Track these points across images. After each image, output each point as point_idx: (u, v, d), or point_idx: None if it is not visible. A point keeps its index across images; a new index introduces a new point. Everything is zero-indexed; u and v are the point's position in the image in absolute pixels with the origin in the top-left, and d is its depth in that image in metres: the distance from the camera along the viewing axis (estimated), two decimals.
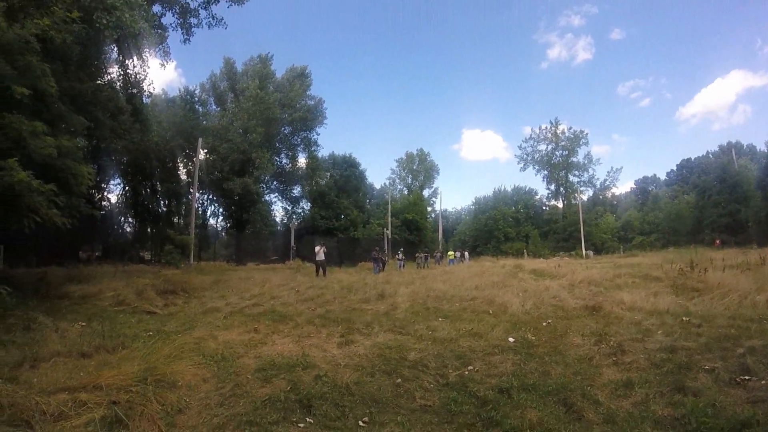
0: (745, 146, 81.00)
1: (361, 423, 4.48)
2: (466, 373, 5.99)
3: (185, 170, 47.65)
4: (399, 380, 5.66)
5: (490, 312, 10.80)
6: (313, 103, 56.48)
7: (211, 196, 52.78)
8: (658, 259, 25.39)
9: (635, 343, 7.06)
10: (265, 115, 49.34)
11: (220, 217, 56.82)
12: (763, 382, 5.16)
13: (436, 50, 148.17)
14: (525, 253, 57.76)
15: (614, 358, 6.45)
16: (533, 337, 7.94)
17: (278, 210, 63.24)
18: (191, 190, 41.49)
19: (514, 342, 7.62)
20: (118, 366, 5.30)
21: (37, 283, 14.87)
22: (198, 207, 46.16)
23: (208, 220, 55.61)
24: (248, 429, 4.27)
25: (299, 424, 4.40)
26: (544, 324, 9.12)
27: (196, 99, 51.71)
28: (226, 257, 49.24)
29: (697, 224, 57.92)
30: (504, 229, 74.04)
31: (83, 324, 9.38)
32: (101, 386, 4.70)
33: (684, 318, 8.89)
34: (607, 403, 4.80)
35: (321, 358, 6.64)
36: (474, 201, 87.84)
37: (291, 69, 56.02)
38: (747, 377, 5.33)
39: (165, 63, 26.46)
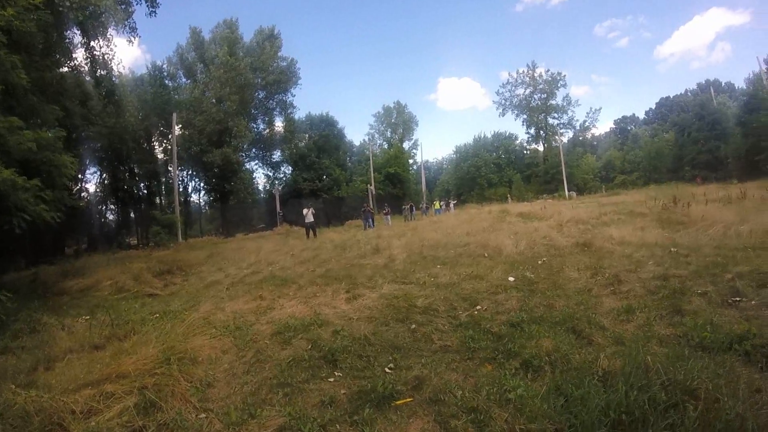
0: (723, 84, 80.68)
1: (387, 369, 4.63)
2: (476, 312, 6.24)
3: (162, 148, 46.97)
4: (413, 326, 5.87)
5: (486, 255, 11.10)
6: (285, 64, 55.07)
7: (191, 172, 51.97)
8: (640, 196, 25.89)
9: (629, 274, 7.43)
10: (237, 82, 48.11)
11: (202, 192, 55.97)
12: (753, 302, 5.54)
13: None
14: (509, 198, 58.20)
15: (612, 288, 6.82)
16: (532, 275, 8.26)
17: (260, 177, 63.06)
18: (170, 168, 40.83)
19: (514, 281, 7.93)
20: (133, 352, 5.29)
21: (31, 284, 14.52)
22: (179, 184, 45.39)
23: (191, 196, 54.94)
24: (281, 391, 4.36)
25: (329, 379, 4.53)
26: (540, 262, 9.45)
27: (165, 74, 50.23)
28: (213, 231, 48.93)
29: (677, 161, 58.57)
30: (486, 175, 74.10)
31: (87, 317, 9.22)
32: (124, 375, 4.64)
33: (672, 249, 9.27)
34: (612, 328, 5.14)
35: (333, 315, 6.79)
36: (455, 150, 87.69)
37: (259, 31, 54.29)
38: (738, 299, 5.72)
39: (132, 39, 25.09)
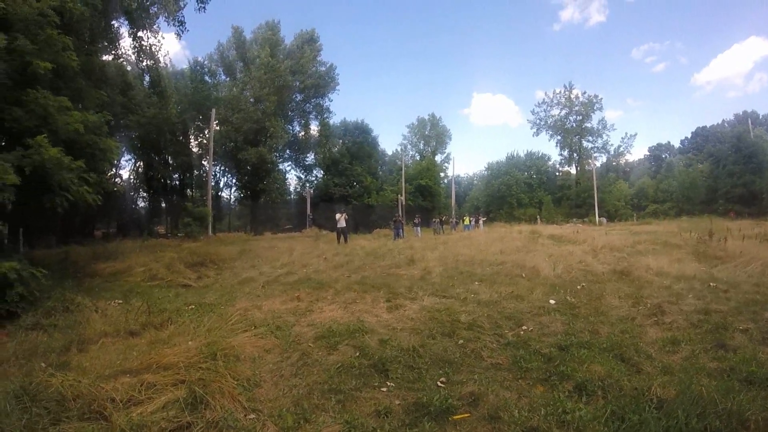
0: (761, 116, 79.37)
1: (439, 383, 4.63)
2: (522, 332, 6.39)
3: (197, 142, 47.87)
4: (461, 341, 5.97)
5: (523, 275, 11.26)
6: (324, 69, 56.18)
7: (224, 168, 52.94)
8: (673, 227, 25.80)
9: (671, 305, 7.53)
10: (276, 83, 49.15)
11: (233, 188, 57.04)
12: None
13: (446, 12, 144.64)
14: (538, 219, 58.05)
15: (654, 319, 6.94)
16: (573, 299, 8.43)
17: (291, 178, 63.29)
18: (204, 162, 41.60)
19: (555, 304, 8.11)
20: (172, 343, 5.33)
21: (61, 262, 14.67)
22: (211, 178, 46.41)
23: (222, 191, 55.88)
24: (334, 397, 4.31)
25: (381, 389, 4.53)
26: (579, 287, 9.60)
27: (206, 70, 51.46)
28: (241, 228, 49.58)
29: (711, 194, 57.73)
30: (517, 194, 73.69)
31: (120, 301, 9.31)
32: (166, 366, 4.58)
33: (711, 284, 9.39)
34: (659, 358, 5.25)
35: (375, 323, 6.84)
36: (486, 166, 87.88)
37: (300, 35, 55.38)
38: None
39: (181, 33, 25.73)
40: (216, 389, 4.16)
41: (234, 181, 55.14)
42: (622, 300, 8.25)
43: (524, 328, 6.62)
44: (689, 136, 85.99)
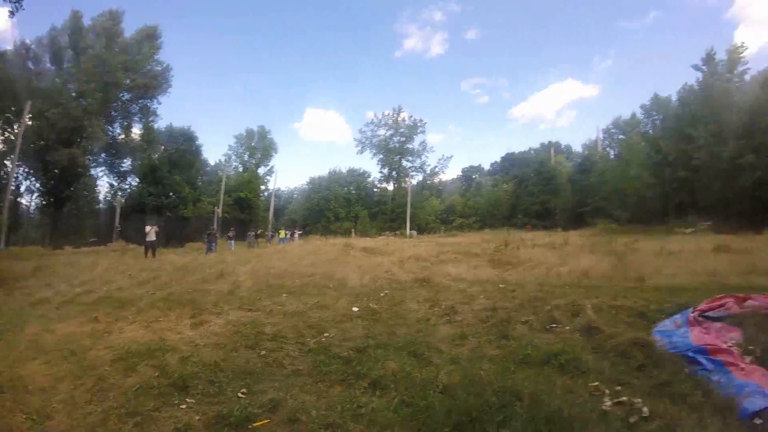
0: (563, 146, 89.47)
1: (240, 394, 4.57)
2: (324, 339, 6.40)
3: (1, 138, 41.28)
4: (263, 352, 5.85)
5: (331, 286, 11.33)
6: (160, 69, 52.03)
7: (27, 170, 45.68)
8: (476, 238, 28.16)
9: (463, 306, 8.13)
10: (105, 79, 44.26)
11: (35, 194, 49.35)
12: (567, 328, 6.52)
13: (292, 25, 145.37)
14: (353, 233, 59.95)
15: (447, 318, 7.47)
16: (375, 306, 8.63)
17: (103, 185, 56.73)
18: (6, 162, 35.64)
19: (359, 311, 8.22)
20: None
21: None
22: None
23: (22, 196, 48.52)
24: (131, 420, 4.07)
25: (181, 406, 4.35)
26: (382, 294, 9.87)
27: (31, 55, 44.87)
28: (39, 240, 43.44)
29: (512, 210, 64.99)
30: (335, 209, 75.75)
31: None
32: None
33: (501, 285, 10.35)
34: (449, 351, 5.70)
35: (178, 341, 6.49)
36: (309, 180, 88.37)
37: (142, 29, 50.74)
38: (554, 325, 6.68)
39: (15, 10, 21.46)
40: (3, 427, 3.86)
41: (37, 185, 47.52)
42: (421, 304, 8.64)
43: (326, 335, 6.61)
44: (499, 160, 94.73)
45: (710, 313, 6.83)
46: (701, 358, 5.04)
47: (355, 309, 8.33)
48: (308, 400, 4.31)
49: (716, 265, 12.35)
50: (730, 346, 5.32)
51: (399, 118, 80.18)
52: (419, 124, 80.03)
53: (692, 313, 6.67)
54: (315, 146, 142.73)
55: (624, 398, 4.13)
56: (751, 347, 5.40)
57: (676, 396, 4.25)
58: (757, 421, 3.82)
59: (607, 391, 4.30)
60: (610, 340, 5.65)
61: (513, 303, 8.26)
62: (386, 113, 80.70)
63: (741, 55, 39.31)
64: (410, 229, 61.84)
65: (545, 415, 3.60)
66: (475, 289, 9.94)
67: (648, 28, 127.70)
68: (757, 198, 30.12)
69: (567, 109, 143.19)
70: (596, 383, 4.45)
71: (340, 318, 7.66)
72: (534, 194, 62.73)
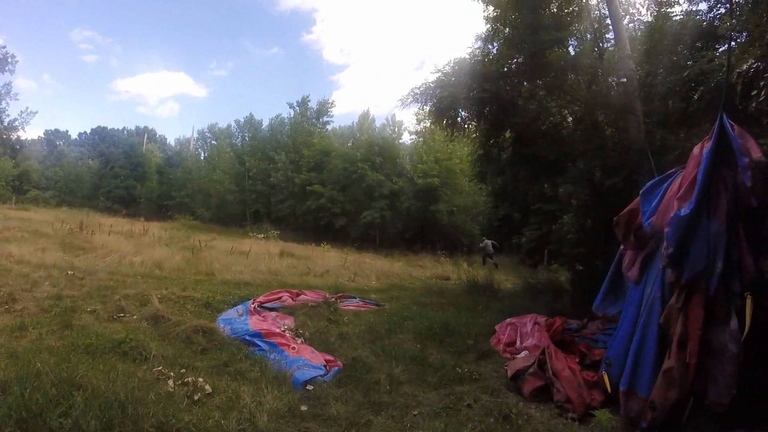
0: (158, 135, 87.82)
1: None
2: None
3: None
4: None
5: None
6: None
7: None
8: (50, 216, 25.38)
9: (25, 293, 7.68)
10: None
11: None
12: (135, 317, 6.99)
13: None
14: None
15: (6, 307, 6.87)
16: None
17: None
18: None
19: None
20: None
21: None
22: None
23: None
24: None
25: None
26: None
27: None
28: None
29: (95, 190, 59.67)
30: None
31: None
32: None
33: (69, 272, 9.95)
34: (7, 344, 5.29)
35: None
36: None
37: None
38: (122, 314, 7.06)
39: None
40: None
41: None
42: None
43: None
44: (89, 132, 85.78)
45: (268, 305, 8.53)
46: (258, 341, 6.35)
47: None
48: None
49: (279, 266, 14.65)
50: (283, 331, 6.83)
51: None
52: (10, 60, 65.11)
53: (252, 303, 8.17)
54: None
55: (188, 379, 4.60)
56: (301, 331, 7.09)
57: (236, 373, 5.13)
58: (309, 387, 5.05)
59: (172, 374, 4.73)
60: (176, 327, 6.30)
61: (81, 291, 8.27)
62: None
63: (329, 109, 49.79)
64: None
65: (104, 402, 3.73)
66: (41, 274, 9.37)
67: (267, 58, 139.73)
68: (320, 218, 37.25)
69: (171, 101, 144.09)
70: (160, 368, 4.87)
71: None
72: (120, 177, 59.37)
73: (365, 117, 42.83)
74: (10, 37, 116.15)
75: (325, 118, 49.14)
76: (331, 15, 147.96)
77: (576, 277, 11.48)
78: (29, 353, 4.87)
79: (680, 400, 4.28)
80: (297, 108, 48.60)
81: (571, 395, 4.98)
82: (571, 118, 11.26)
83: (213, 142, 62.78)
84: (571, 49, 10.56)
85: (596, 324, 7.58)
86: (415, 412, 4.66)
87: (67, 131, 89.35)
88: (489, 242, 25.72)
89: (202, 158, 61.68)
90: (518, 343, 7.17)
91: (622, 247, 5.97)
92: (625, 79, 9.16)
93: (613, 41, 10.42)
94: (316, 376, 5.34)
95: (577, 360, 6.10)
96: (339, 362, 5.98)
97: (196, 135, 69.49)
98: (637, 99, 9.02)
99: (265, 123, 54.18)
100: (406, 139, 43.30)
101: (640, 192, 5.40)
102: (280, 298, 9.13)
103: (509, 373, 5.71)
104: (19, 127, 68.58)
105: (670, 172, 5.24)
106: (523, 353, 6.57)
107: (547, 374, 5.32)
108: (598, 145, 9.74)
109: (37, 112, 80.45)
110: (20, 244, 12.84)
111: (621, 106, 9.03)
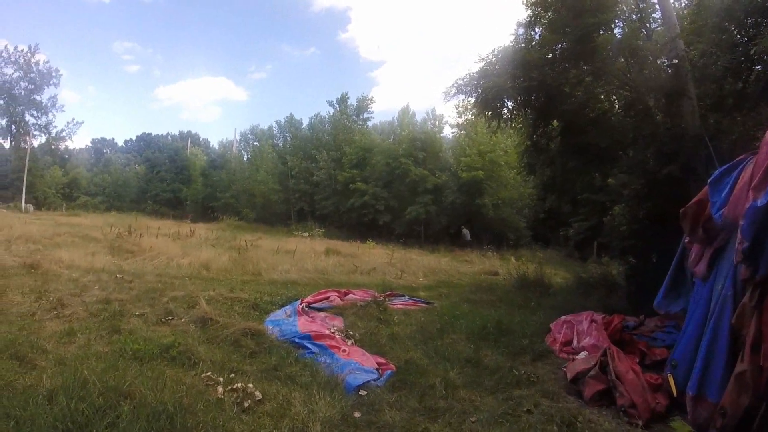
0: (201, 139, 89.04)
1: None
2: None
3: None
4: None
5: None
6: None
7: None
8: (99, 221, 25.98)
9: (74, 298, 7.67)
10: None
11: None
12: (183, 320, 6.88)
13: None
14: None
15: (55, 312, 6.86)
16: None
17: None
18: None
19: None
20: None
21: None
22: None
23: None
24: None
25: None
26: None
27: None
28: None
29: (142, 194, 61.24)
30: None
31: None
32: None
33: (118, 275, 10.02)
34: (55, 351, 5.20)
35: None
36: None
37: None
38: (170, 317, 6.96)
39: None
40: None
41: None
42: (26, 295, 7.73)
43: None
44: (134, 138, 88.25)
45: (316, 305, 8.30)
46: (307, 343, 6.11)
47: None
48: None
49: (325, 265, 14.51)
50: (333, 332, 6.59)
51: (33, 60, 66.37)
52: (54, 74, 67.28)
53: (300, 304, 7.96)
54: None
55: (238, 385, 4.44)
56: (351, 332, 6.83)
57: (286, 378, 4.94)
58: (362, 392, 4.82)
59: (221, 380, 4.59)
60: (224, 330, 6.18)
61: (129, 294, 8.25)
62: (20, 48, 65.72)
63: (368, 105, 48.40)
64: (26, 202, 52.06)
65: (152, 412, 3.59)
66: (90, 279, 9.44)
67: (304, 58, 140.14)
68: (363, 215, 37.21)
69: (213, 105, 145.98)
70: (208, 373, 4.71)
71: None
72: (166, 181, 60.83)
73: (405, 112, 42.27)
74: (54, 52, 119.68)
75: (365, 115, 48.58)
76: (365, 12, 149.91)
77: (630, 271, 10.94)
78: (77, 360, 4.79)
79: (752, 406, 3.90)
80: (337, 106, 48.39)
81: (635, 400, 4.66)
82: (619, 105, 10.78)
83: (255, 143, 63.45)
84: (617, 31, 10.00)
85: (654, 321, 7.25)
86: (473, 419, 4.41)
87: (113, 139, 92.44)
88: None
89: (245, 160, 62.20)
90: (575, 342, 6.85)
91: (685, 240, 5.58)
92: (676, 61, 8.64)
93: (660, 21, 9.88)
94: (368, 381, 5.13)
95: (637, 360, 5.80)
96: (391, 365, 5.73)
97: (238, 137, 70.51)
98: (690, 81, 8.50)
99: (306, 122, 54.78)
100: (447, 132, 42.36)
101: (708, 181, 4.99)
102: (328, 297, 8.94)
103: (569, 376, 5.41)
104: (67, 137, 70.16)
105: (739, 158, 4.81)
106: (582, 354, 6.25)
107: (609, 377, 4.98)
108: (651, 131, 9.16)
109: (83, 122, 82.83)
110: (70, 249, 13.04)
111: (673, 89, 8.55)
